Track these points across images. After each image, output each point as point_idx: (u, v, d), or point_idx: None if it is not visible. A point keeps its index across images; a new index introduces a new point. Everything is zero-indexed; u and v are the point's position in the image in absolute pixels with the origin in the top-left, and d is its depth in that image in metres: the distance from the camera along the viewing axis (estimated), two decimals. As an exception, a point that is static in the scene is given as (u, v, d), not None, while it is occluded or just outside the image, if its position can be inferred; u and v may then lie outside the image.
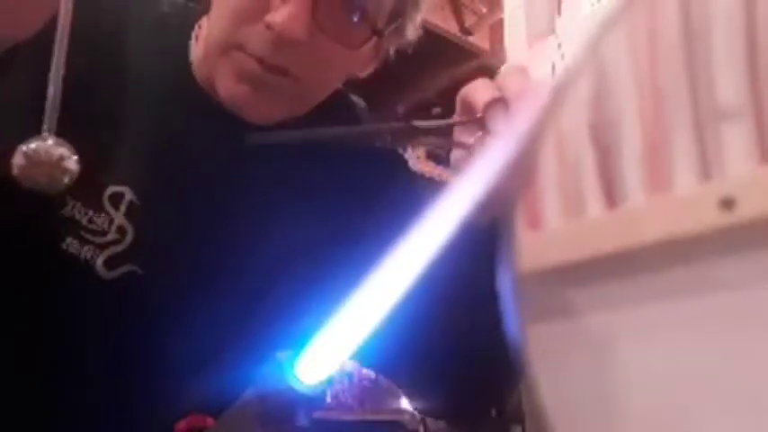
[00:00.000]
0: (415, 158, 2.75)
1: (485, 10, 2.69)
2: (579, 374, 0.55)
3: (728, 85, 0.51)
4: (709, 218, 0.50)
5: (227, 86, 0.66)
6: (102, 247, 0.65)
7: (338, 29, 0.66)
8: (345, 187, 0.75)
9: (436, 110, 3.02)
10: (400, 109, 2.93)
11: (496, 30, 2.67)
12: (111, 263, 0.65)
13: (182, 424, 0.59)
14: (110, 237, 0.65)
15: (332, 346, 0.47)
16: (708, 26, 0.52)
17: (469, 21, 2.70)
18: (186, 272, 0.69)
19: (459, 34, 2.69)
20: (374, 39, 0.69)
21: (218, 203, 0.71)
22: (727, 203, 0.48)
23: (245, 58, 0.64)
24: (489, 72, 0.63)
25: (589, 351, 0.56)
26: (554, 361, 0.53)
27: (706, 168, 0.52)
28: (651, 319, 0.53)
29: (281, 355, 0.49)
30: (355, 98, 0.85)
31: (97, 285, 0.65)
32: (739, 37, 0.51)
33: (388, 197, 0.77)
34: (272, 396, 0.49)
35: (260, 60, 0.64)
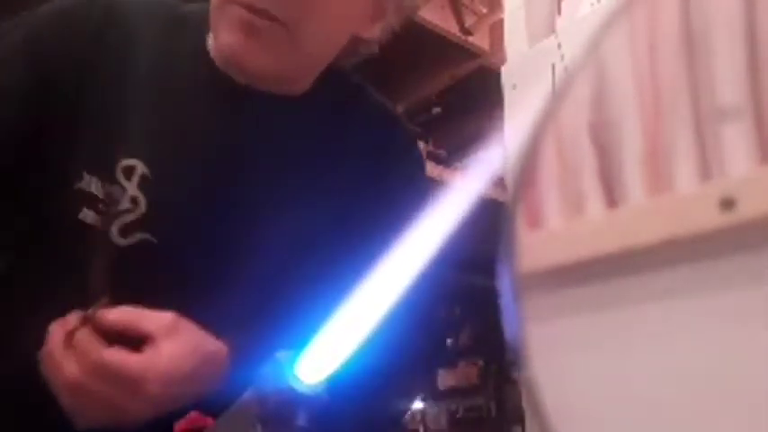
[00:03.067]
0: (415, 158, 2.75)
1: (485, 10, 2.69)
2: (579, 374, 0.55)
3: (728, 85, 0.51)
4: (709, 218, 0.50)
5: (222, 38, 0.69)
6: (116, 215, 0.68)
7: None
8: (355, 170, 0.77)
9: (436, 110, 3.02)
10: (400, 109, 2.93)
11: (496, 30, 2.67)
12: (125, 230, 0.68)
13: (182, 423, 0.59)
14: (123, 206, 0.68)
15: (332, 346, 0.47)
16: (708, 26, 0.52)
17: (469, 21, 2.70)
18: (200, 243, 0.70)
19: (459, 34, 2.69)
20: None
21: (232, 177, 0.72)
22: (727, 203, 0.48)
23: (237, 9, 0.67)
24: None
25: (589, 351, 0.56)
26: (554, 361, 0.53)
27: (706, 168, 0.52)
28: (651, 319, 0.53)
29: (281, 355, 0.49)
30: (359, 80, 0.85)
31: (113, 252, 0.68)
32: (739, 37, 0.51)
33: (394, 184, 0.78)
34: (271, 396, 0.49)
35: (248, 6, 0.66)
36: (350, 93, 0.81)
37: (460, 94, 2.87)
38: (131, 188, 0.68)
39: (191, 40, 0.74)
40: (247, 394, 0.52)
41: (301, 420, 0.49)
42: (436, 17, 2.62)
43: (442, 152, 2.95)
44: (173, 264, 0.69)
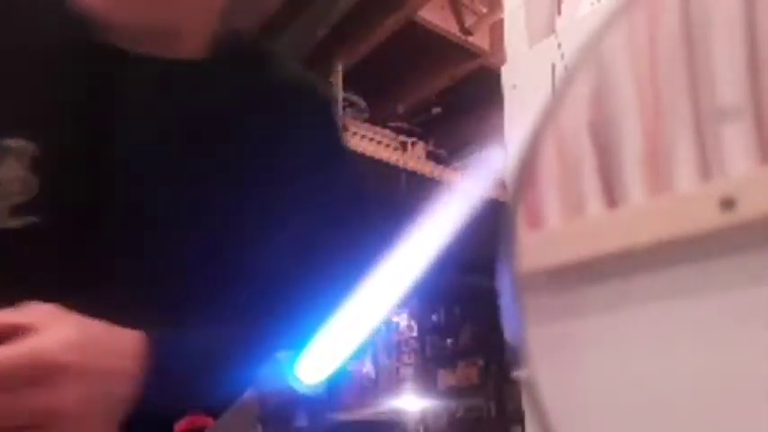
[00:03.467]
0: (416, 158, 2.75)
1: (485, 10, 2.70)
2: (579, 374, 0.55)
3: (728, 85, 0.51)
4: (709, 218, 0.50)
5: None
6: (3, 197, 0.66)
7: None
8: (267, 137, 0.74)
9: (436, 110, 3.03)
10: (400, 109, 2.93)
11: (496, 30, 2.67)
12: (14, 212, 0.66)
13: (182, 424, 0.59)
14: (11, 188, 0.66)
15: (332, 346, 0.47)
16: (708, 27, 0.52)
17: (469, 21, 2.70)
18: (91, 226, 0.68)
19: (459, 34, 2.70)
20: None
21: (129, 154, 0.70)
22: (727, 203, 0.48)
23: None
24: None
25: (589, 350, 0.56)
26: (554, 361, 0.53)
27: (706, 168, 0.52)
28: (652, 319, 0.53)
29: (281, 355, 0.49)
30: (268, 46, 0.82)
31: (2, 236, 0.65)
32: (739, 37, 0.51)
33: (310, 151, 0.76)
34: (271, 396, 0.49)
35: None
36: (256, 58, 0.78)
37: (460, 94, 2.88)
38: (20, 170, 0.67)
39: (67, 14, 0.72)
40: (247, 394, 0.52)
41: (301, 420, 0.49)
42: (436, 17, 2.62)
43: (442, 152, 2.95)
44: (63, 247, 0.67)
